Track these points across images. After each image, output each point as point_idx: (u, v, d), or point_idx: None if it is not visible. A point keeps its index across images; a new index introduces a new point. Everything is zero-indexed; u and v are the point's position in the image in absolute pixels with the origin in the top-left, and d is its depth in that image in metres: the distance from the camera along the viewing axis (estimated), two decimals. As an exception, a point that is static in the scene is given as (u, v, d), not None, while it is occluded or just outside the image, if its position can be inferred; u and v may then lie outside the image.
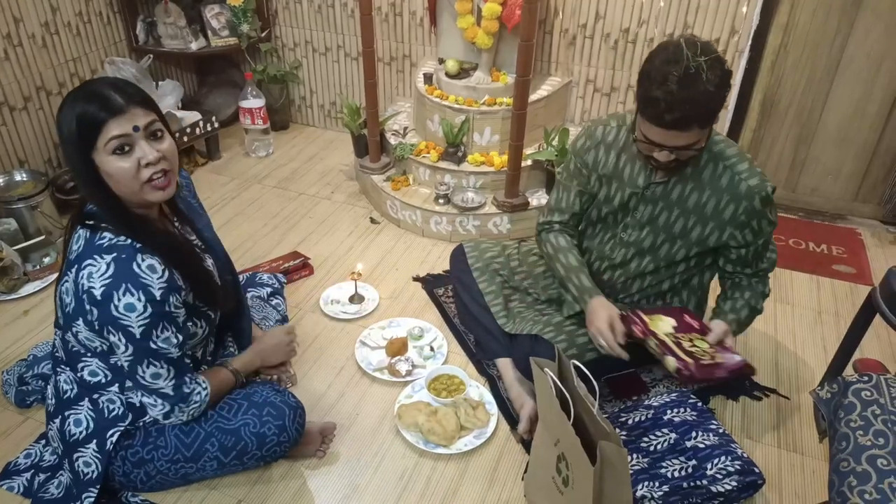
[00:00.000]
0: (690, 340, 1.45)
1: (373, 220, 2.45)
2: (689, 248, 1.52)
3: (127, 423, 1.30)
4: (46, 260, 2.10)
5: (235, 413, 1.34)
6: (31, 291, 2.02)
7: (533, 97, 2.27)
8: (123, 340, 1.17)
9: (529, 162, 2.33)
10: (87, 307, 1.16)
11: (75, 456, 1.31)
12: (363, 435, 1.60)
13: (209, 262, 1.39)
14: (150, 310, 1.15)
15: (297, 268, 2.12)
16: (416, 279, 2.15)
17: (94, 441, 1.30)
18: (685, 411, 1.52)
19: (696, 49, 1.28)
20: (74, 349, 1.27)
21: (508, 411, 1.66)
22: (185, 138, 2.61)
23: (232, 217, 2.44)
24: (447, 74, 2.43)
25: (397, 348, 1.82)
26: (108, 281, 1.14)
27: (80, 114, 1.11)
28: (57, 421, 1.33)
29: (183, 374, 1.26)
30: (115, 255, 1.15)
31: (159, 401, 1.25)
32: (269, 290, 1.78)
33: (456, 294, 1.93)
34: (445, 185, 2.34)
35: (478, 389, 1.71)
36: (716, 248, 1.52)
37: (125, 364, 1.21)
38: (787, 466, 1.57)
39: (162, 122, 1.19)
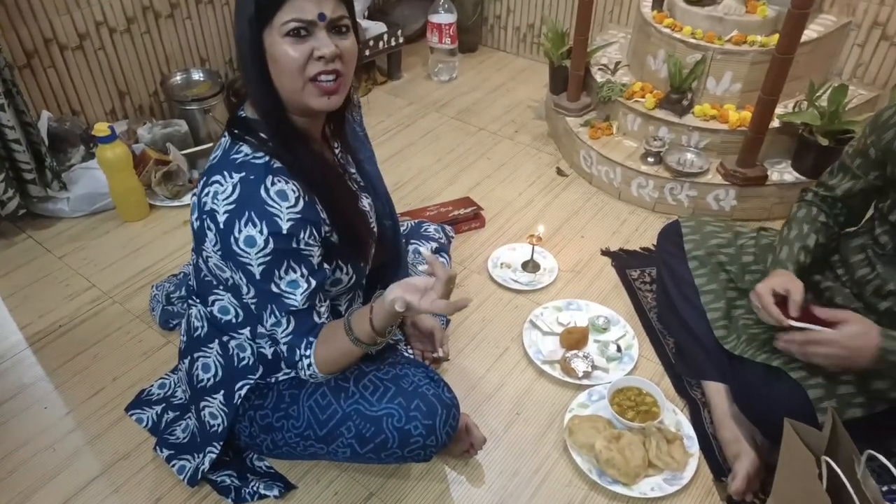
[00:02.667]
0: None
1: (560, 172, 2.07)
2: None
3: (257, 376, 1.13)
4: (214, 168, 2.00)
5: (380, 398, 1.09)
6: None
7: (800, 38, 1.70)
8: (244, 280, 0.98)
9: (777, 123, 1.79)
10: (208, 232, 0.97)
11: (202, 405, 1.17)
12: (523, 442, 1.30)
13: (366, 202, 1.15)
14: (271, 245, 0.94)
15: (468, 218, 1.82)
16: (606, 253, 1.76)
17: (222, 392, 1.14)
18: None
19: None
20: (206, 279, 1.11)
21: (714, 454, 1.27)
22: (367, 52, 2.40)
23: (403, 148, 2.19)
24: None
25: (575, 340, 1.47)
26: (231, 207, 0.94)
27: None
28: (186, 362, 1.19)
29: (302, 336, 1.02)
30: (243, 174, 0.95)
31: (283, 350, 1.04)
32: (434, 244, 1.51)
33: (660, 282, 1.52)
34: (659, 141, 1.87)
35: (675, 416, 1.33)
36: None
37: (252, 308, 1.02)
38: None
39: (352, 20, 0.97)
